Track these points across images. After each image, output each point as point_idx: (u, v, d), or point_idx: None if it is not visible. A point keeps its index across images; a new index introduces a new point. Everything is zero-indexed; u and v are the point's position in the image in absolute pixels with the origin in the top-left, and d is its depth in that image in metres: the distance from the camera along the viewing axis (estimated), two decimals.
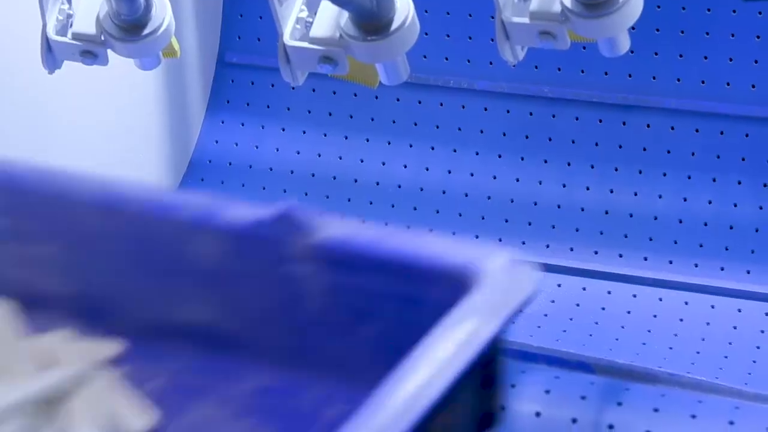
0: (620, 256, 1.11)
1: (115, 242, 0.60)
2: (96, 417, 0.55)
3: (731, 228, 1.12)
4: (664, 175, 1.15)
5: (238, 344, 0.58)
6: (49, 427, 0.53)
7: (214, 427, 0.54)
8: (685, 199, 1.14)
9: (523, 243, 1.16)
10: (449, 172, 1.21)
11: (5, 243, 0.61)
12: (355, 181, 1.23)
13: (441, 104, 1.21)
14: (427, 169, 1.22)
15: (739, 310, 1.08)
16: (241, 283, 0.58)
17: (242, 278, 0.57)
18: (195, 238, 0.58)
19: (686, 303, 1.10)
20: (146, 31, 0.90)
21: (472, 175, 1.20)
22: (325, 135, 1.25)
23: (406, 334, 0.51)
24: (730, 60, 1.10)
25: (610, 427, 0.89)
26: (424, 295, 0.54)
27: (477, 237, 1.16)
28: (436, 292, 0.53)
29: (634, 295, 1.11)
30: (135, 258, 0.59)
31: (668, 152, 1.14)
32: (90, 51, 0.91)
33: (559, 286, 1.12)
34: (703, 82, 1.11)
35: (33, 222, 0.61)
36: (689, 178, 1.14)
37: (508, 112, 1.19)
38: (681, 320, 1.08)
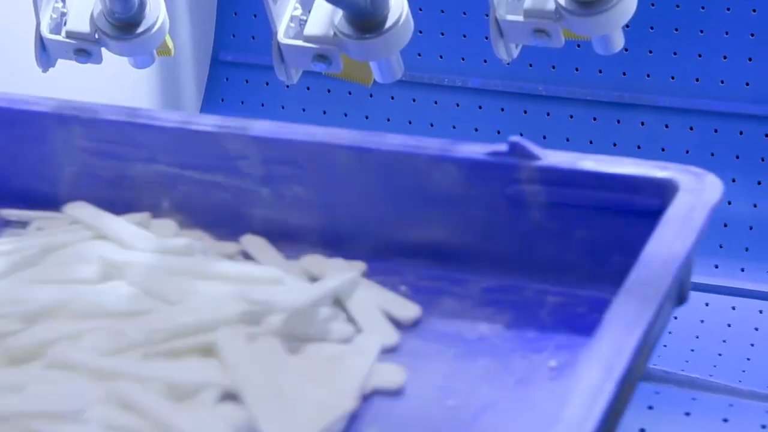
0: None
1: (359, 181, 0.72)
2: (372, 310, 0.66)
3: (725, 226, 1.13)
4: None
5: (468, 255, 0.70)
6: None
7: (464, 314, 0.67)
8: None
9: None
10: None
11: (262, 187, 0.74)
12: None
13: (435, 102, 1.21)
14: None
15: (734, 308, 1.09)
16: (471, 205, 0.70)
17: (473, 201, 0.70)
18: (433, 170, 0.70)
19: None
20: (140, 30, 0.90)
21: None
22: None
23: (612, 238, 0.67)
24: (725, 58, 1.10)
25: None
26: (627, 205, 0.67)
27: None
28: (638, 201, 0.67)
29: None
30: (376, 192, 0.72)
31: (662, 150, 1.14)
32: (84, 49, 0.91)
33: None
34: (697, 80, 1.11)
35: (284, 168, 0.73)
36: None
37: (502, 110, 1.19)
38: (675, 318, 1.07)
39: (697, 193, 0.67)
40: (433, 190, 0.70)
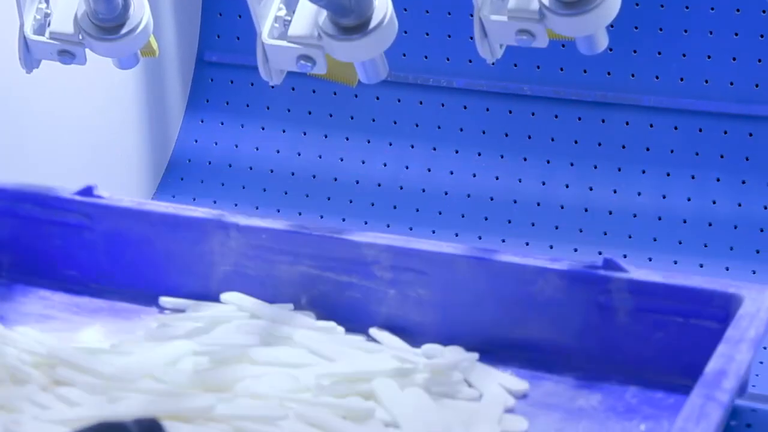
0: (599, 253, 1.11)
1: (474, 286, 0.88)
2: (491, 381, 0.84)
3: (710, 225, 1.13)
4: (643, 172, 1.15)
5: (563, 350, 0.86)
6: None
7: (562, 394, 0.83)
8: (664, 197, 1.15)
9: (503, 241, 1.16)
10: (429, 170, 1.21)
11: (389, 289, 0.90)
12: (335, 179, 1.23)
13: (420, 102, 1.21)
14: (407, 168, 1.22)
15: None
16: (568, 309, 0.85)
17: (570, 306, 0.85)
18: (538, 280, 0.85)
19: None
20: (124, 30, 0.90)
21: (451, 173, 1.20)
22: (305, 134, 1.25)
23: (685, 340, 0.83)
24: (709, 57, 1.10)
25: None
26: (699, 314, 0.82)
27: (457, 235, 1.17)
28: (708, 312, 0.82)
29: None
30: (488, 296, 0.87)
31: (647, 149, 1.14)
32: (68, 50, 0.91)
33: None
34: (681, 80, 1.12)
35: (410, 274, 0.90)
36: (668, 175, 1.14)
37: (487, 110, 1.19)
38: None
39: (758, 305, 0.80)
40: (536, 296, 0.86)
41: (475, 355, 0.84)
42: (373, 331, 0.89)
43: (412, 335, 0.89)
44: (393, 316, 0.89)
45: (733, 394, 0.72)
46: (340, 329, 0.89)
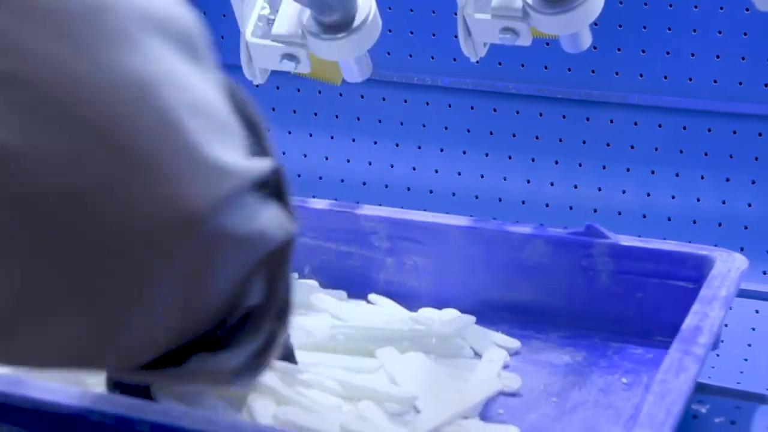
0: None
1: (466, 254, 0.95)
2: (487, 341, 0.91)
3: (694, 222, 1.13)
4: (628, 170, 1.15)
5: (549, 311, 0.94)
6: None
7: (549, 350, 0.91)
8: (648, 194, 1.15)
9: None
10: (414, 168, 1.21)
11: (387, 257, 0.98)
12: (320, 178, 1.23)
13: (405, 101, 1.21)
14: (392, 166, 1.22)
15: None
16: (554, 272, 0.93)
17: (555, 270, 0.93)
18: (525, 246, 0.93)
19: None
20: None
21: (436, 171, 1.20)
22: (290, 132, 1.25)
23: (662, 299, 0.91)
24: (692, 55, 1.10)
25: None
26: (674, 275, 0.90)
27: None
28: (683, 273, 0.90)
29: None
30: (479, 263, 0.94)
31: (632, 147, 1.15)
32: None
33: None
34: (665, 78, 1.12)
35: (406, 243, 0.97)
36: (653, 173, 1.14)
37: (472, 108, 1.19)
38: None
39: (728, 266, 0.87)
40: (524, 261, 0.93)
41: (473, 318, 0.91)
42: (372, 297, 0.95)
43: (409, 300, 0.95)
44: (391, 283, 0.97)
45: (707, 349, 0.76)
46: (343, 294, 0.96)
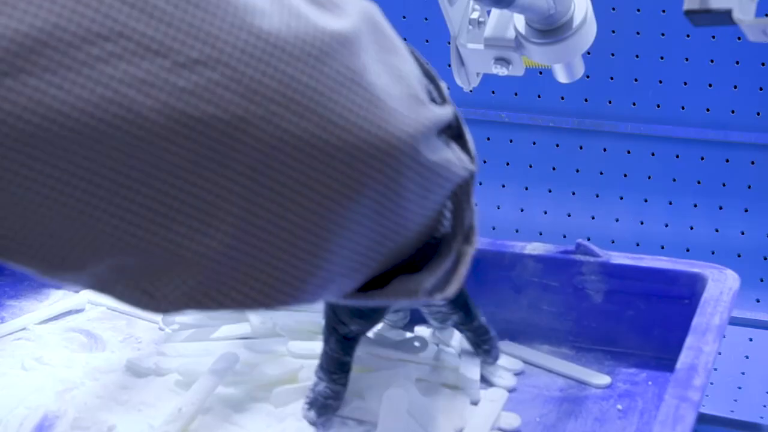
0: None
1: None
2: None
3: (688, 251, 1.13)
4: (621, 198, 1.15)
5: (542, 329, 0.94)
6: None
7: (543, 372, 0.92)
8: (642, 222, 1.15)
9: None
10: None
11: None
12: None
13: None
14: None
15: None
16: (547, 289, 0.93)
17: (548, 286, 0.93)
18: (516, 265, 0.94)
19: None
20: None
21: None
22: None
23: (655, 316, 0.90)
24: (685, 84, 1.10)
25: None
26: (666, 293, 0.90)
27: None
28: (674, 291, 0.90)
29: None
30: (470, 281, 0.84)
31: (625, 176, 1.15)
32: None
33: None
34: (658, 106, 1.12)
35: None
36: (646, 201, 1.15)
37: None
38: None
39: (721, 283, 0.87)
40: (515, 280, 0.94)
41: (477, 361, 0.90)
42: None
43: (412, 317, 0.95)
44: None
45: (703, 391, 0.75)
46: None
